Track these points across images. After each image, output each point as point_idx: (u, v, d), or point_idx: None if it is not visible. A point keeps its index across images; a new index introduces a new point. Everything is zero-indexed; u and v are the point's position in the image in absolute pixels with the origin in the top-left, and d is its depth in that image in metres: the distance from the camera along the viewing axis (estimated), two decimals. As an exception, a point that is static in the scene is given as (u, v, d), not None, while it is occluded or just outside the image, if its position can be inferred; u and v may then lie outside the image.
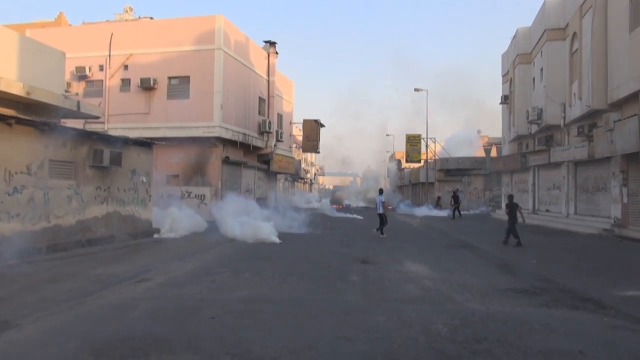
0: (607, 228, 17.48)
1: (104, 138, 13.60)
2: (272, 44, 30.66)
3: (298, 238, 17.32)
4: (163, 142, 17.07)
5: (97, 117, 15.01)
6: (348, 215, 31.74)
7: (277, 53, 31.29)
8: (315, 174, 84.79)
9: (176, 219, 17.19)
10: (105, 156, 12.94)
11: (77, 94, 25.08)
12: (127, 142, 14.44)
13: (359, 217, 30.16)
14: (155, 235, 15.99)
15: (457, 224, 25.29)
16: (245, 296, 7.57)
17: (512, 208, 15.24)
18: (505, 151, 32.11)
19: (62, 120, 14.45)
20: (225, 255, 12.53)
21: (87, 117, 14.57)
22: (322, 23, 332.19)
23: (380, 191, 19.36)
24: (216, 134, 23.84)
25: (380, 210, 17.65)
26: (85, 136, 12.75)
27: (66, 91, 24.47)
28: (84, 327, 5.73)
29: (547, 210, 24.84)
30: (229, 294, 7.77)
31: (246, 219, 16.27)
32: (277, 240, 15.25)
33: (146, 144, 15.86)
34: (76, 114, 14.30)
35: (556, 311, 6.77)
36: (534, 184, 26.65)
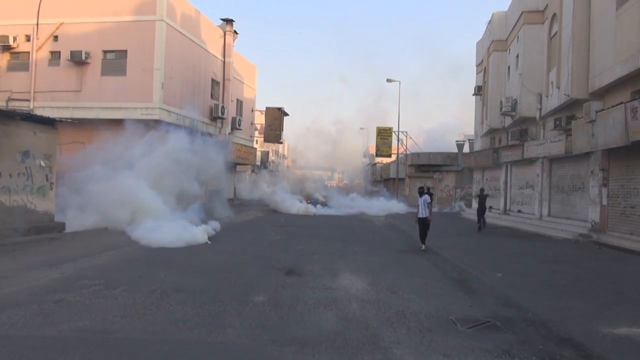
0: (583, 233, 15.55)
1: (-26, 110, 10.84)
2: (229, 21, 27.89)
3: (235, 236, 15.08)
4: (69, 120, 14.29)
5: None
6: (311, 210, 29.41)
7: (235, 33, 28.58)
8: (288, 167, 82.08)
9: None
10: (-29, 132, 10.23)
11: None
12: (11, 116, 11.67)
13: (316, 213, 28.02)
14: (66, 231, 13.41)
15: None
16: (74, 330, 5.16)
17: (482, 198, 19.34)
18: (477, 146, 30.16)
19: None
20: (120, 260, 10.00)
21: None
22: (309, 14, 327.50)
23: (428, 190, 13.94)
24: (156, 117, 21.16)
25: (424, 214, 13.18)
26: (-57, 105, 9.99)
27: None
28: None
29: (519, 211, 22.89)
30: (57, 325, 5.32)
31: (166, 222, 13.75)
32: (202, 240, 12.95)
33: (47, 120, 13.11)
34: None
35: (522, 367, 4.54)
36: (506, 182, 24.70)
